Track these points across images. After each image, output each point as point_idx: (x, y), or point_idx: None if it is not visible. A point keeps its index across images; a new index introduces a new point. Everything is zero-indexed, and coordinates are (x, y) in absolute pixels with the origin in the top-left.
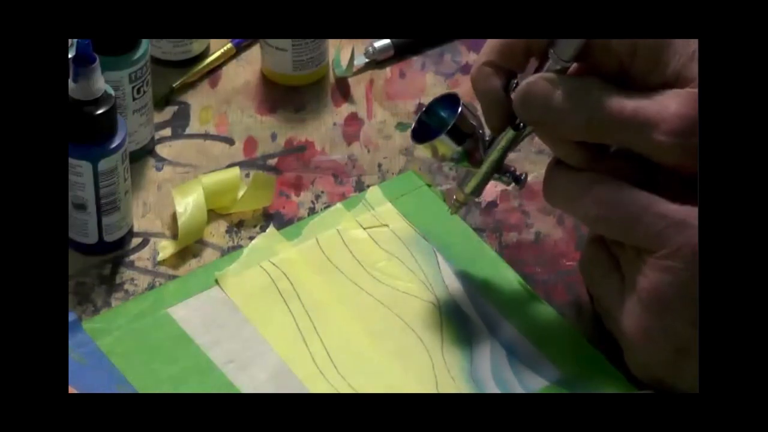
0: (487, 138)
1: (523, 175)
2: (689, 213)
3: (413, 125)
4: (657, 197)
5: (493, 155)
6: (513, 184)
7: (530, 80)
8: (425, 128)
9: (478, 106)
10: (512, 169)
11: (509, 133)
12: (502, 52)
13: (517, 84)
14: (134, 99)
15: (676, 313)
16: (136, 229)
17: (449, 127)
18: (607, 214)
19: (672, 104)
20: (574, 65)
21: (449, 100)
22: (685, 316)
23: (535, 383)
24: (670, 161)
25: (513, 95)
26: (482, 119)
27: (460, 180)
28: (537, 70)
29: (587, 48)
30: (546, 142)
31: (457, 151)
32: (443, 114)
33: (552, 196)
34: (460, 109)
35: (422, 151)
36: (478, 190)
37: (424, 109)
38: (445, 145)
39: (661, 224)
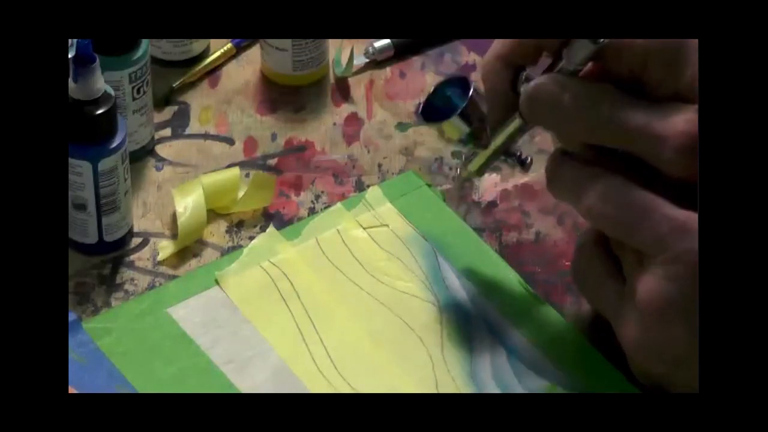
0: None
1: (529, 159)
2: (693, 217)
3: (420, 104)
4: (663, 200)
5: (499, 139)
6: (518, 167)
7: (540, 81)
8: (432, 108)
9: None
10: (518, 153)
11: (516, 122)
12: (513, 47)
13: (526, 78)
14: (134, 99)
15: (675, 323)
16: (136, 229)
17: (459, 111)
18: (612, 212)
19: (680, 122)
20: (589, 65)
21: (459, 83)
22: (685, 326)
23: (536, 383)
24: (675, 174)
25: (521, 92)
26: None
27: (466, 157)
28: (549, 68)
29: (600, 52)
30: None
31: (465, 133)
32: (451, 95)
33: (556, 187)
34: (470, 94)
35: (429, 128)
36: (482, 170)
37: (432, 89)
38: (454, 127)
39: (665, 227)
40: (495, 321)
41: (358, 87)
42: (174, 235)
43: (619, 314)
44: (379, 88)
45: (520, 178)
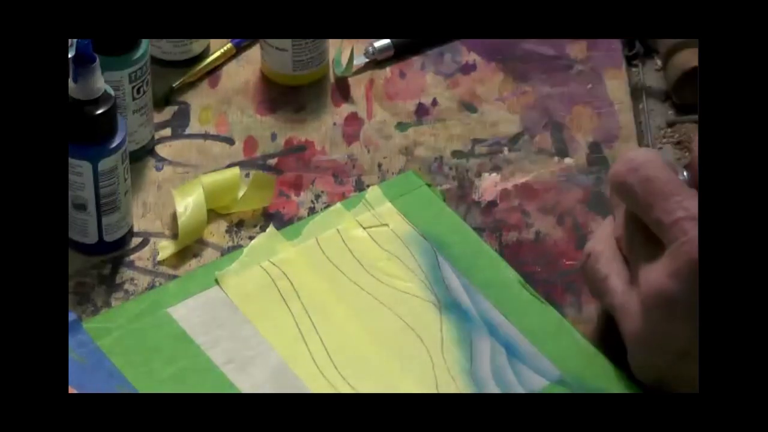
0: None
1: None
2: None
3: None
4: (690, 190)
5: None
6: None
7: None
8: None
9: None
10: None
11: None
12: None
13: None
14: (134, 99)
15: (681, 317)
16: (136, 229)
17: None
18: (639, 184)
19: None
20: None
21: None
22: (690, 320)
23: (535, 383)
24: None
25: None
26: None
27: None
28: None
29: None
30: None
31: None
32: None
33: (616, 163)
34: None
35: None
36: None
37: None
38: None
39: (681, 213)
40: (495, 320)
41: (358, 87)
42: (174, 235)
43: (624, 307)
44: (379, 88)
45: (520, 178)
